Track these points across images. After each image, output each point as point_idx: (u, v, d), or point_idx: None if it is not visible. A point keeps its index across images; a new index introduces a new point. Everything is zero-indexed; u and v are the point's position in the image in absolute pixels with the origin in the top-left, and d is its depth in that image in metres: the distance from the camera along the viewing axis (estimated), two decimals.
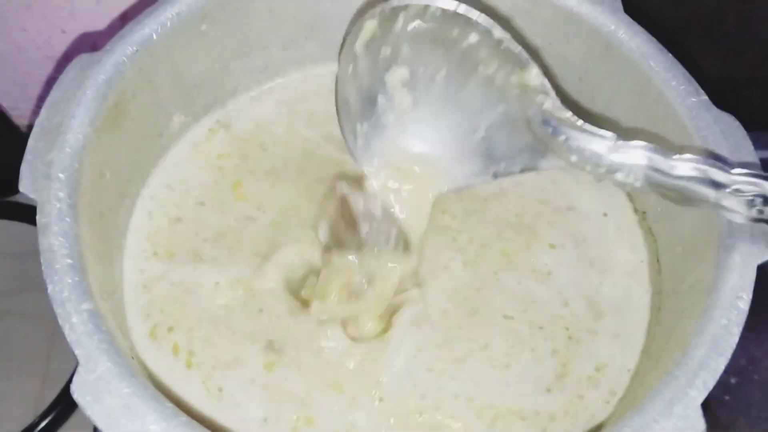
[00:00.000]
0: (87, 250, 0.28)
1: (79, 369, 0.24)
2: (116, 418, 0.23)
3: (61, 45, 0.56)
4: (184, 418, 0.24)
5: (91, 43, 0.56)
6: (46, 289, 0.59)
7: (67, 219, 0.27)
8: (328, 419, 0.30)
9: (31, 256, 0.61)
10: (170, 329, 0.32)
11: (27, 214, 0.62)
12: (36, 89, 0.60)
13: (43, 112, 0.30)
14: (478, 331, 0.33)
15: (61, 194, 0.28)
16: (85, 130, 0.30)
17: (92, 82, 0.31)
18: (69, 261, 0.26)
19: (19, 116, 0.61)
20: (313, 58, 0.41)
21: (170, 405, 0.24)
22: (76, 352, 0.25)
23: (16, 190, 0.62)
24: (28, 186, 0.28)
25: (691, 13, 0.46)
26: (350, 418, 0.30)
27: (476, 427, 0.31)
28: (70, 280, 0.26)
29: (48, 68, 0.58)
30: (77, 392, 0.24)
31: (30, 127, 0.61)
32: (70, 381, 0.54)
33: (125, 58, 0.32)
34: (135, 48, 0.32)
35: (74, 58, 0.57)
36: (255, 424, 0.30)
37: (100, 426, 0.23)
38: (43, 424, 0.55)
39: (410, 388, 0.31)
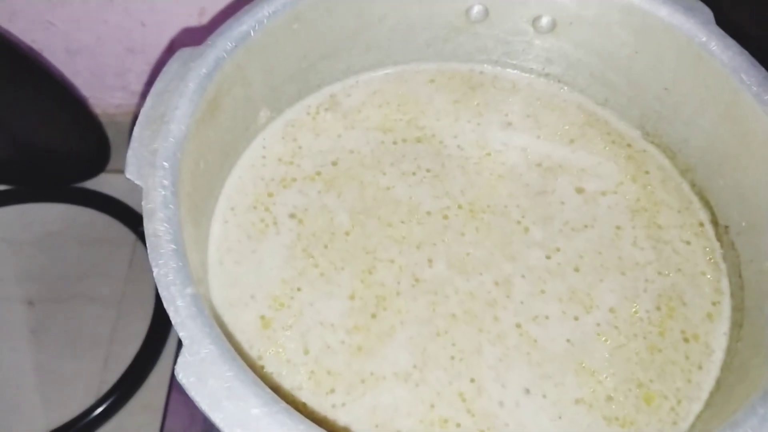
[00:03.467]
0: (186, 237, 0.29)
1: (183, 351, 0.25)
2: (219, 399, 0.24)
3: (139, 38, 0.58)
4: (283, 404, 0.24)
5: (168, 37, 0.57)
6: (110, 273, 0.61)
7: (171, 206, 0.28)
8: None
9: (97, 243, 0.64)
10: None
11: (95, 200, 0.65)
12: (112, 80, 0.62)
13: (148, 102, 0.31)
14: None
15: (166, 182, 0.29)
16: (187, 121, 0.31)
17: (194, 75, 0.32)
18: (173, 246, 0.27)
19: (95, 105, 0.63)
20: (393, 59, 0.42)
21: (269, 391, 0.25)
22: (181, 334, 0.25)
23: (92, 175, 0.65)
24: (134, 172, 0.29)
25: None
26: None
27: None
28: (174, 265, 0.27)
29: (125, 60, 0.60)
30: (182, 373, 0.24)
31: (105, 116, 0.64)
32: (132, 364, 0.57)
33: (225, 53, 0.33)
34: (234, 44, 0.33)
35: (151, 51, 0.59)
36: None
37: (202, 407, 0.24)
38: (104, 406, 0.56)
39: None
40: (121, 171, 0.66)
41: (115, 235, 0.65)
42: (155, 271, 0.27)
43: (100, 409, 0.56)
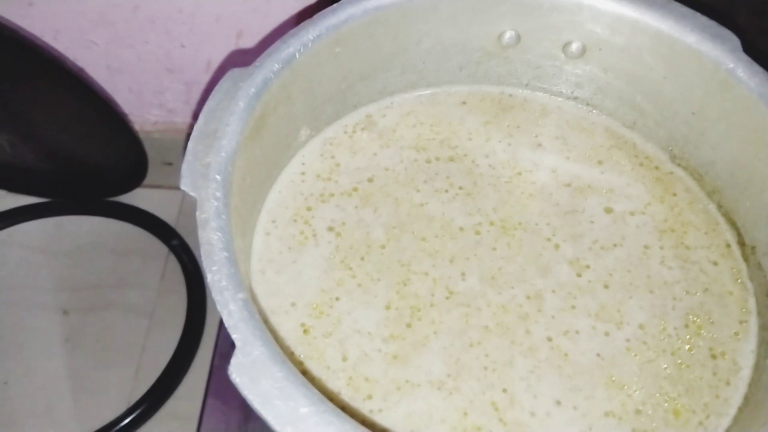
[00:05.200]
0: (235, 246, 0.30)
1: (236, 352, 0.26)
2: (271, 399, 0.25)
3: (178, 58, 0.60)
4: (330, 404, 0.26)
5: (206, 58, 0.60)
6: (143, 285, 0.63)
7: (223, 216, 0.30)
8: None
9: (130, 254, 0.66)
10: None
11: (130, 214, 0.67)
12: (151, 98, 0.64)
13: (201, 118, 0.33)
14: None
15: (218, 194, 0.30)
16: (237, 137, 0.33)
17: (244, 94, 0.34)
18: (225, 254, 0.29)
19: (134, 122, 0.66)
20: (427, 81, 0.44)
21: (317, 391, 0.26)
22: (234, 336, 0.27)
23: (128, 189, 0.67)
24: (188, 184, 0.31)
25: None
26: None
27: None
28: (227, 271, 0.28)
29: (164, 79, 0.62)
30: (235, 373, 0.26)
31: (142, 132, 0.66)
32: (163, 374, 0.58)
33: (272, 74, 0.35)
34: (280, 65, 0.35)
35: (189, 71, 0.61)
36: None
37: (255, 406, 0.25)
38: (134, 414, 0.58)
39: None
40: (157, 186, 0.69)
41: (148, 247, 0.67)
42: (209, 277, 0.28)
43: (130, 418, 0.57)
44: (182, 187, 0.31)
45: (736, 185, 0.38)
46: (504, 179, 0.41)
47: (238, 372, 0.26)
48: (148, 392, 0.59)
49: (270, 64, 0.35)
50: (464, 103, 0.45)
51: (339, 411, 0.25)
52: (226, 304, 0.27)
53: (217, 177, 0.31)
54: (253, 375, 0.26)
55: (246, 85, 0.34)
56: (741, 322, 0.36)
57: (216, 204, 0.30)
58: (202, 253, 0.29)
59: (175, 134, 0.68)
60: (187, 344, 0.61)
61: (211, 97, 0.33)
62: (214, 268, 0.28)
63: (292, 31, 0.36)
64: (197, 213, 0.30)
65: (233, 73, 0.34)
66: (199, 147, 0.32)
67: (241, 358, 0.26)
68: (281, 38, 0.36)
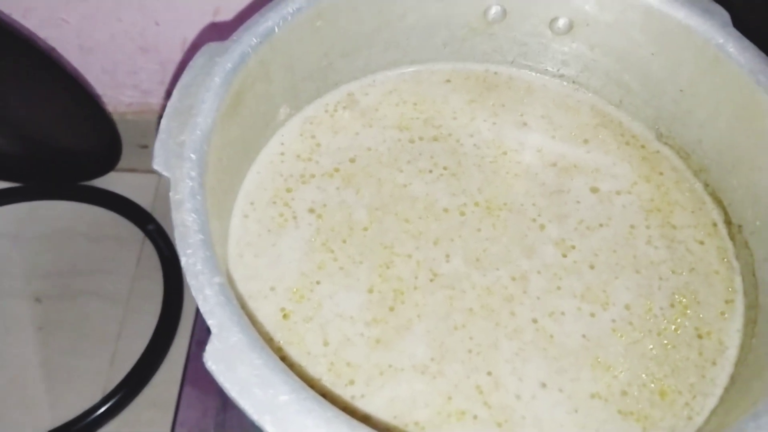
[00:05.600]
0: (212, 229, 0.29)
1: (212, 339, 0.25)
2: (249, 386, 0.24)
3: (153, 37, 0.58)
4: (311, 392, 0.25)
5: (182, 37, 0.58)
6: (118, 271, 0.61)
7: (198, 197, 0.29)
8: None
9: (105, 240, 0.64)
10: None
11: (104, 198, 0.65)
12: (124, 78, 0.62)
13: (175, 94, 0.31)
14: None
15: (193, 173, 0.29)
16: (213, 114, 0.31)
17: (220, 69, 0.32)
18: (201, 237, 0.28)
19: (107, 103, 0.64)
20: (410, 59, 0.43)
21: (298, 378, 0.25)
22: (209, 322, 0.26)
23: (102, 173, 0.65)
24: (161, 164, 0.29)
25: None
26: None
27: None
28: (202, 254, 0.27)
29: (138, 59, 0.60)
30: (211, 360, 0.25)
31: (116, 114, 0.64)
32: (139, 362, 0.57)
33: (250, 49, 0.33)
34: (258, 39, 0.34)
35: (164, 50, 0.60)
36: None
37: (232, 394, 0.24)
38: (110, 403, 0.56)
39: None
40: (132, 169, 0.67)
41: (123, 232, 0.65)
42: (183, 260, 0.27)
43: (106, 406, 0.56)
44: (155, 166, 0.30)
45: (724, 164, 0.37)
46: (489, 159, 0.40)
47: (214, 359, 0.25)
48: (124, 380, 0.57)
49: (248, 38, 0.33)
50: (448, 81, 0.43)
51: (320, 398, 0.24)
52: (202, 288, 0.26)
53: (192, 156, 0.30)
54: (230, 362, 0.25)
55: (222, 60, 0.32)
56: (727, 302, 0.36)
57: (191, 184, 0.29)
58: (176, 235, 0.28)
59: (151, 116, 0.66)
60: (163, 331, 0.59)
61: (185, 72, 0.32)
62: (188, 251, 0.27)
63: (271, 4, 0.35)
64: (171, 193, 0.29)
65: (209, 48, 0.33)
66: (173, 124, 0.31)
67: (217, 344, 0.25)
68: (259, 11, 0.35)
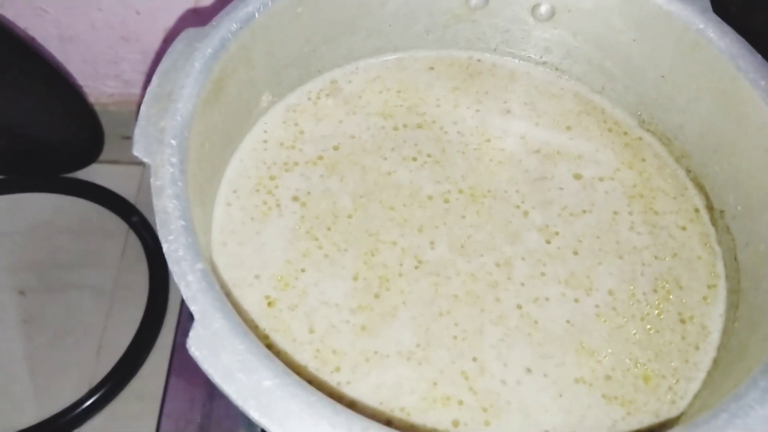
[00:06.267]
0: (194, 217, 0.29)
1: (195, 325, 0.25)
2: (232, 372, 0.24)
3: (134, 26, 0.57)
4: (295, 377, 0.25)
5: (164, 26, 0.57)
6: (103, 263, 0.61)
7: (179, 183, 0.28)
8: None
9: (89, 233, 0.64)
10: None
11: (87, 190, 0.64)
12: (106, 68, 0.61)
13: (155, 80, 0.31)
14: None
15: (174, 159, 0.29)
16: (193, 100, 0.31)
17: (200, 55, 0.32)
18: (182, 223, 0.27)
19: (88, 94, 0.63)
20: (393, 46, 0.43)
21: (282, 363, 0.25)
22: (192, 308, 0.25)
23: (84, 165, 0.64)
24: (141, 150, 0.29)
25: None
26: None
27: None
28: (184, 241, 0.27)
29: (119, 48, 0.60)
30: (194, 346, 0.24)
31: (98, 105, 0.63)
32: (125, 354, 0.56)
33: (230, 34, 0.33)
34: (238, 25, 0.34)
35: (145, 40, 0.59)
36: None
37: (216, 379, 0.24)
38: (96, 396, 0.56)
39: None
40: (115, 161, 0.66)
41: (107, 225, 0.64)
42: (165, 246, 0.27)
43: (92, 399, 0.56)
44: (135, 152, 0.29)
45: (705, 149, 0.37)
46: (473, 146, 0.40)
47: (197, 345, 0.25)
48: (110, 373, 0.57)
49: (228, 24, 0.33)
50: (432, 68, 0.43)
51: (304, 383, 0.24)
52: (184, 275, 0.26)
53: (173, 142, 0.29)
54: (213, 348, 0.25)
55: (202, 45, 0.32)
56: (710, 287, 0.36)
57: (171, 170, 0.29)
58: (157, 221, 0.27)
59: (133, 106, 0.66)
60: (149, 323, 0.59)
61: (165, 57, 0.32)
62: (170, 238, 0.27)
63: None
64: (152, 180, 0.28)
65: (188, 33, 0.33)
66: (153, 110, 0.30)
67: (200, 330, 0.25)
68: None
